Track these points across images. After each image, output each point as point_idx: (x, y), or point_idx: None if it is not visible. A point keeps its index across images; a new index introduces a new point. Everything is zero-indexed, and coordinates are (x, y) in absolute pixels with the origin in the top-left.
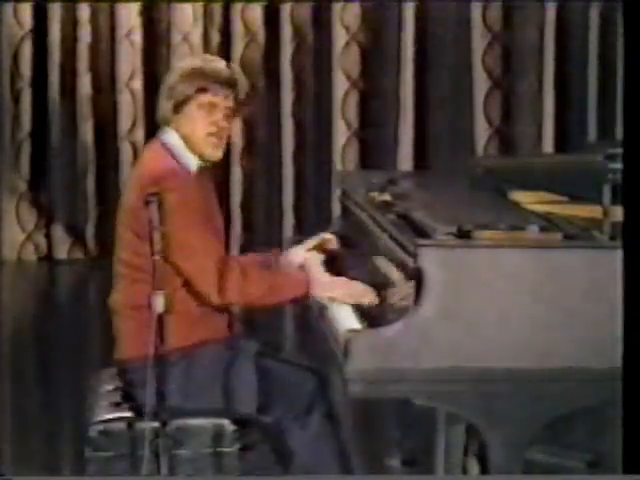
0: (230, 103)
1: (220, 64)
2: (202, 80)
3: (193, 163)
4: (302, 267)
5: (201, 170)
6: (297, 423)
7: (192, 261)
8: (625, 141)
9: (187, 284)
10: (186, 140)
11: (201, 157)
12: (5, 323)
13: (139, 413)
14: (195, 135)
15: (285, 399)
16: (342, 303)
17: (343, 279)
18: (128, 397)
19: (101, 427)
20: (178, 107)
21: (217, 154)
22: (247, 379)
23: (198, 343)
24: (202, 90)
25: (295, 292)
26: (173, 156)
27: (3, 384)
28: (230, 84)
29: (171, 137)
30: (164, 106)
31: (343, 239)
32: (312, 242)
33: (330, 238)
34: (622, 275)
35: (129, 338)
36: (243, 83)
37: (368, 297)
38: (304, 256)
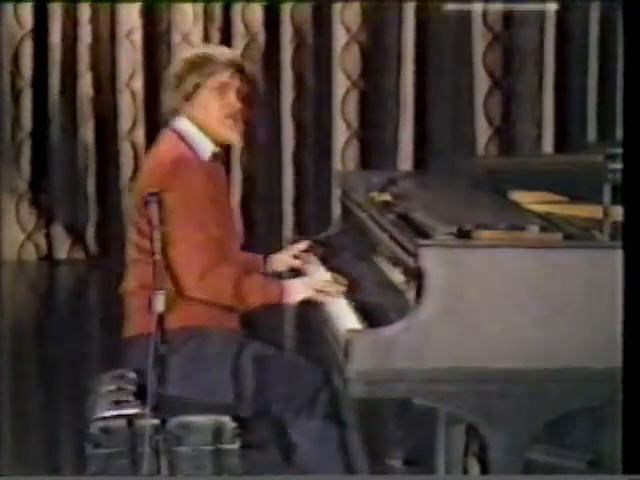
0: (239, 83)
1: (223, 49)
2: (211, 65)
3: (208, 149)
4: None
5: (215, 156)
6: (300, 416)
7: (182, 251)
8: (625, 141)
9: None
10: (202, 126)
11: (218, 141)
12: (5, 323)
13: (143, 401)
14: (211, 119)
15: (288, 391)
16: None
17: (311, 278)
18: (130, 393)
19: (101, 424)
20: (189, 96)
21: (234, 136)
22: (248, 372)
23: (208, 324)
24: (211, 74)
25: (267, 300)
26: (187, 143)
27: (3, 383)
28: (237, 65)
29: (184, 124)
30: (173, 97)
31: (342, 240)
32: (294, 250)
33: (310, 246)
34: (622, 275)
35: (138, 315)
36: (247, 64)
37: (334, 288)
38: (289, 263)
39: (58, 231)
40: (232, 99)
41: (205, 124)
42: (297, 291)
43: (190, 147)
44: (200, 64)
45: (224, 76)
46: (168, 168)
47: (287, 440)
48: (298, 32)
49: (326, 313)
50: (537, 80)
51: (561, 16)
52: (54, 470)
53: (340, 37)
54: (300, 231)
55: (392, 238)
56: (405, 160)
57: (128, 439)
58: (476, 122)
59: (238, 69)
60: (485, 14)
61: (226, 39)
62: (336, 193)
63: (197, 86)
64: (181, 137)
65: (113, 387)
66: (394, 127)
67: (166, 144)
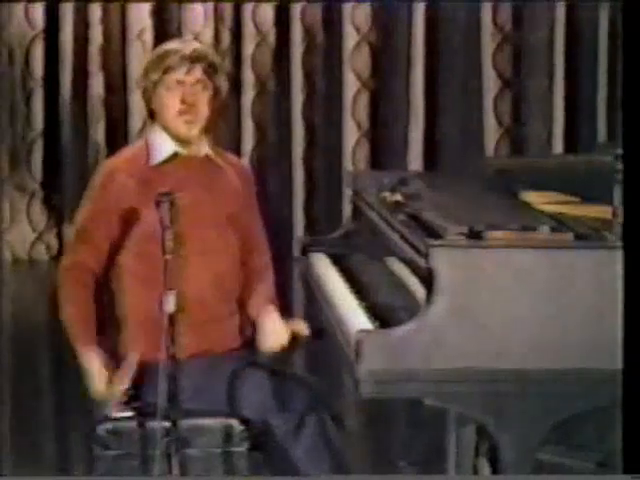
0: (197, 77)
1: (183, 43)
2: (167, 60)
3: (165, 150)
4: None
5: (187, 159)
6: (290, 435)
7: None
8: (625, 141)
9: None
10: (164, 126)
11: (180, 139)
12: (16, 322)
13: (145, 414)
14: (168, 117)
15: (279, 411)
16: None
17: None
18: (136, 397)
19: (110, 426)
20: (151, 95)
21: (192, 131)
22: (255, 392)
23: (200, 353)
24: (167, 71)
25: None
26: (145, 149)
27: (13, 382)
28: (193, 59)
29: (153, 129)
30: (144, 101)
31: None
32: (292, 325)
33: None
34: (622, 275)
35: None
36: (209, 55)
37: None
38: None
39: (69, 230)
40: (187, 93)
41: (165, 123)
42: (92, 361)
43: (147, 153)
44: (158, 61)
45: (181, 72)
46: (93, 181)
47: (282, 454)
48: (308, 32)
49: (337, 313)
50: (547, 80)
51: (571, 16)
52: (63, 469)
53: (350, 37)
54: (311, 231)
55: (403, 238)
56: (415, 160)
57: (137, 441)
58: (486, 122)
59: (198, 61)
60: (495, 14)
61: (237, 39)
62: (347, 193)
63: (156, 84)
64: (146, 144)
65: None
66: (404, 127)
67: (118, 153)
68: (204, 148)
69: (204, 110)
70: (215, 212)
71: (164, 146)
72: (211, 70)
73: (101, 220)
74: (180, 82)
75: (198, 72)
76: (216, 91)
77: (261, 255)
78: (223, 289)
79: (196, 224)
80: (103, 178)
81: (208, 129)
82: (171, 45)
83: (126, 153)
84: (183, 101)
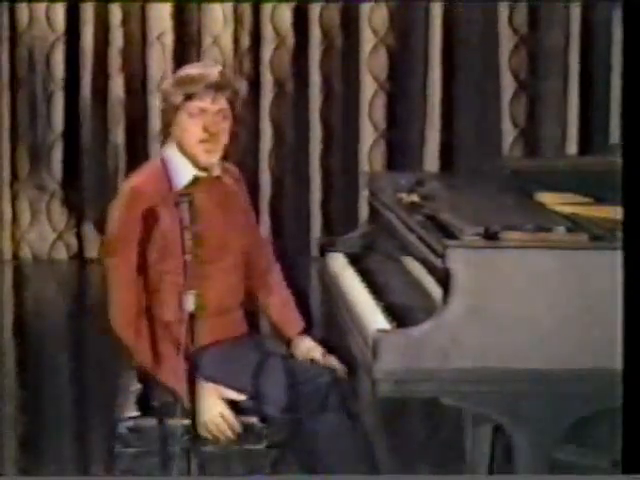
0: (220, 106)
1: (207, 69)
2: (189, 87)
3: (187, 175)
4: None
5: (203, 181)
6: (313, 420)
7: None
8: (625, 141)
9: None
10: (182, 150)
11: (197, 165)
12: (36, 321)
13: (165, 412)
14: (188, 143)
15: (301, 396)
16: None
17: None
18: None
19: (131, 424)
20: (171, 117)
21: (211, 159)
22: (276, 380)
23: (213, 344)
24: (190, 97)
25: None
26: (166, 171)
27: (33, 381)
28: (218, 87)
29: (169, 149)
30: (162, 122)
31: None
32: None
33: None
34: (622, 275)
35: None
36: (232, 85)
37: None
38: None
39: (88, 230)
40: (210, 123)
41: (184, 147)
42: (208, 396)
43: (167, 176)
44: (181, 85)
45: (205, 101)
46: (118, 202)
47: (305, 445)
48: (327, 35)
49: (354, 313)
50: (562, 82)
51: (586, 18)
52: (83, 468)
53: (368, 40)
54: (328, 232)
55: (419, 239)
56: (431, 161)
57: (157, 439)
58: (502, 124)
59: (222, 90)
60: (511, 16)
61: (256, 41)
62: (364, 194)
63: (177, 108)
64: (164, 164)
65: (140, 386)
66: (421, 128)
67: (140, 173)
68: (217, 170)
69: (224, 139)
70: (229, 222)
71: (185, 170)
72: (234, 98)
73: (134, 244)
74: (203, 110)
75: (222, 101)
76: (235, 118)
77: (266, 254)
78: (234, 289)
79: (212, 229)
80: (127, 203)
81: (224, 155)
82: (195, 70)
83: (145, 175)
84: (205, 129)
